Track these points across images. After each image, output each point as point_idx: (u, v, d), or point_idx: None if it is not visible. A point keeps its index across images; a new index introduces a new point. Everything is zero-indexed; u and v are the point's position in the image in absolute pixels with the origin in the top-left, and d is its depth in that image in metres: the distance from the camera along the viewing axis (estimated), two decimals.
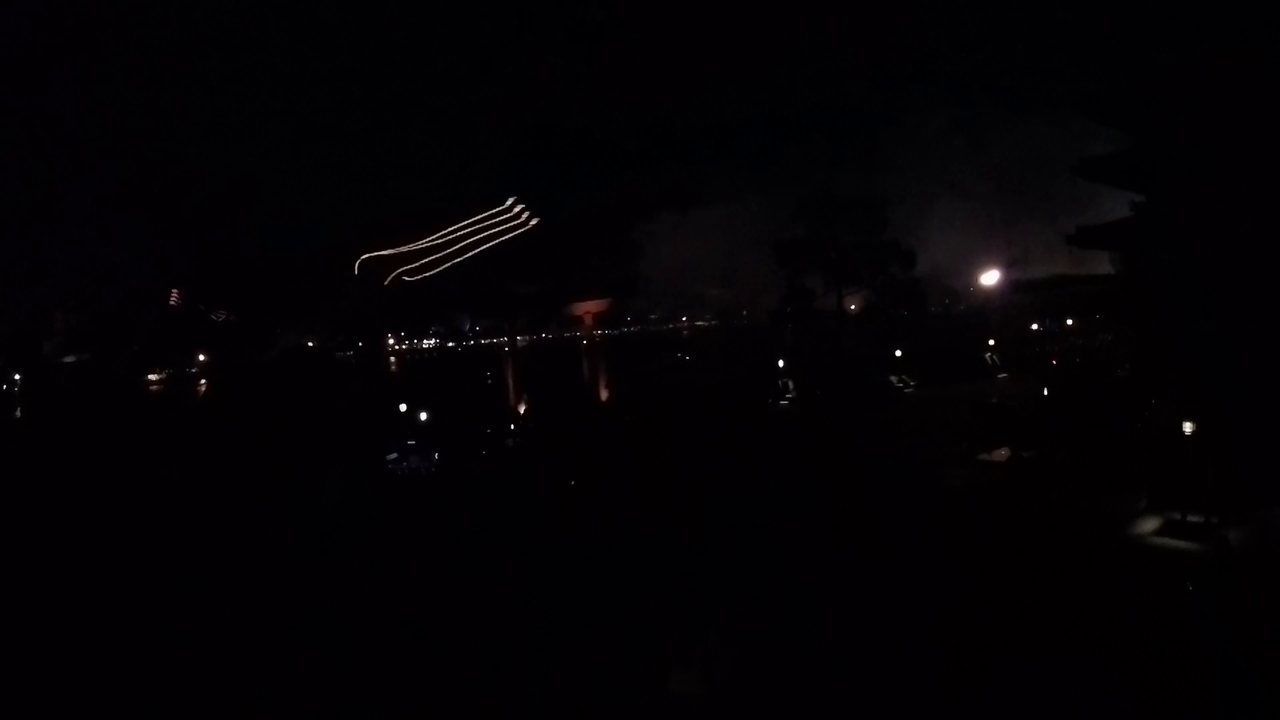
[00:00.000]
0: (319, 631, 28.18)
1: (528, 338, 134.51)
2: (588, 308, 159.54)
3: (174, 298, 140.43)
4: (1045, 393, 58.20)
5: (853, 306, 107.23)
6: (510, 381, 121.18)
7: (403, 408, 78.97)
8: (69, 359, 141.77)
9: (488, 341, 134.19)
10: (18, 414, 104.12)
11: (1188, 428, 36.61)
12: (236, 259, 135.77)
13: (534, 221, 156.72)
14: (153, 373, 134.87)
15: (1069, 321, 64.68)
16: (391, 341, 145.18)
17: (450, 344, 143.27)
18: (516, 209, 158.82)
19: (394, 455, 59.79)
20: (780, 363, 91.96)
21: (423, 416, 74.98)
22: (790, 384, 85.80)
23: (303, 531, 37.80)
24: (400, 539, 38.52)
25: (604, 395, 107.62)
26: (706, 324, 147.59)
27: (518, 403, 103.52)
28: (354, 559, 34.95)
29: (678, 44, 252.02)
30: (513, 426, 79.74)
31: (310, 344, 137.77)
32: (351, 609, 30.12)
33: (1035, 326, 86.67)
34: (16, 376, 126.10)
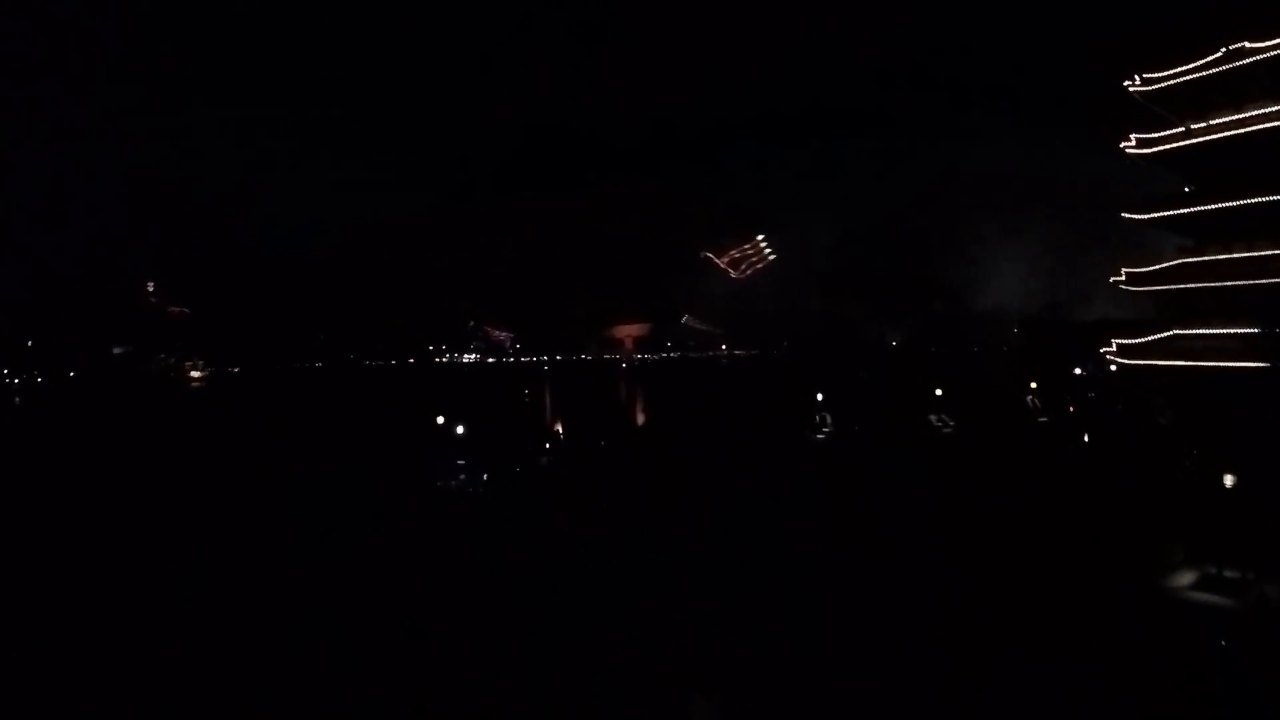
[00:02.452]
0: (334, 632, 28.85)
1: (567, 357, 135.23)
2: (629, 331, 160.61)
3: (211, 294, 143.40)
4: (1085, 439, 57.46)
5: (894, 342, 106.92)
6: (548, 400, 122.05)
7: (440, 420, 79.90)
8: (117, 350, 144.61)
9: (528, 359, 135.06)
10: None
11: (1228, 480, 36.02)
12: (277, 259, 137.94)
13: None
14: (195, 369, 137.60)
15: (1112, 367, 63.89)
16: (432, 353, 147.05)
17: (490, 359, 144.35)
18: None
19: (444, 473, 60.70)
20: (818, 395, 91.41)
21: (459, 430, 75.70)
22: (827, 417, 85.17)
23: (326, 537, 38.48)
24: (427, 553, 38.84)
25: (639, 420, 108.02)
26: (745, 353, 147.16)
27: (554, 421, 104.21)
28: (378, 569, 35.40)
29: (729, 78, 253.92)
30: (548, 445, 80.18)
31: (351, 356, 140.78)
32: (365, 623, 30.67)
33: (1078, 371, 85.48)
34: (71, 374, 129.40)
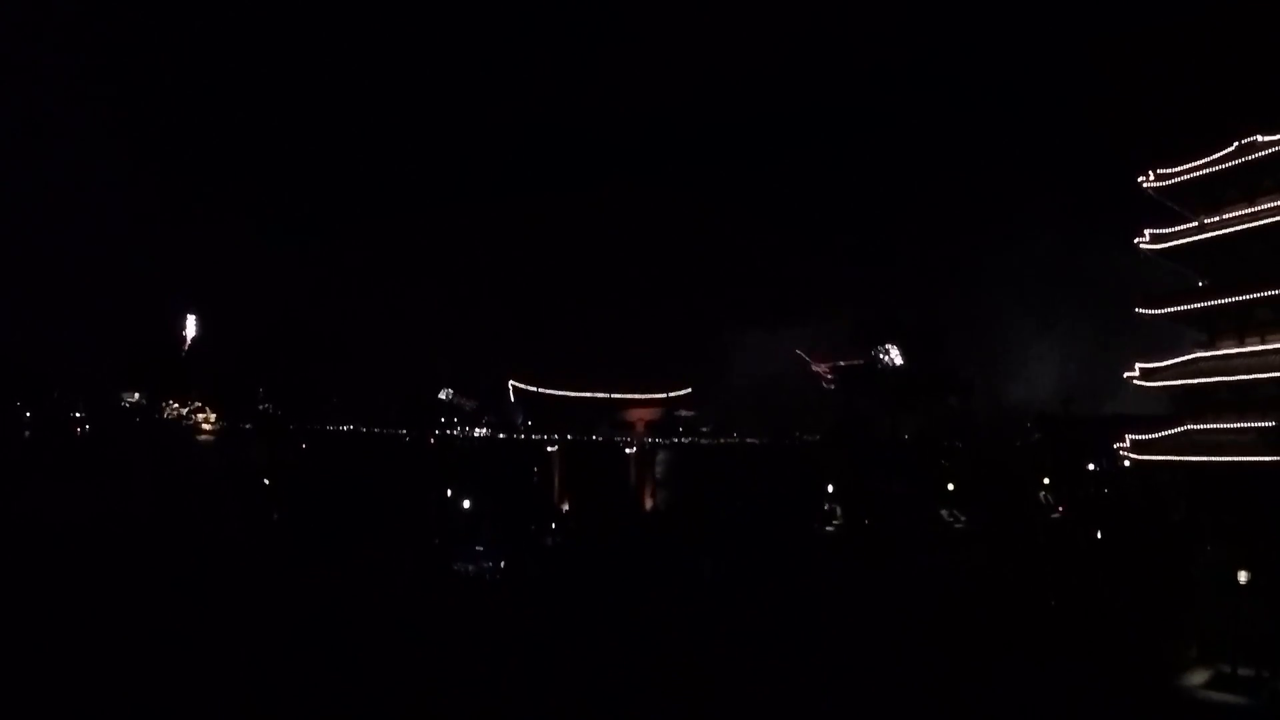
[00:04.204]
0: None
1: (578, 437, 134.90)
2: (640, 414, 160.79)
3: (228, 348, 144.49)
4: (1098, 535, 56.27)
5: (906, 435, 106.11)
6: (556, 480, 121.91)
7: (448, 492, 79.58)
8: (131, 398, 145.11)
9: (538, 437, 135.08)
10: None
11: (1242, 577, 35.12)
12: (298, 319, 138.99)
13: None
14: (207, 421, 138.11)
15: (1126, 463, 63.05)
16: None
17: (501, 435, 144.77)
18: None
19: (462, 558, 60.45)
20: (829, 487, 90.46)
21: (465, 504, 75.18)
22: (838, 509, 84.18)
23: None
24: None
25: (647, 504, 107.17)
26: (757, 441, 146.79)
27: (561, 501, 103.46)
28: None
29: (741, 167, 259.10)
30: (554, 525, 79.50)
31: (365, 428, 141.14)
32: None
33: (1092, 466, 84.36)
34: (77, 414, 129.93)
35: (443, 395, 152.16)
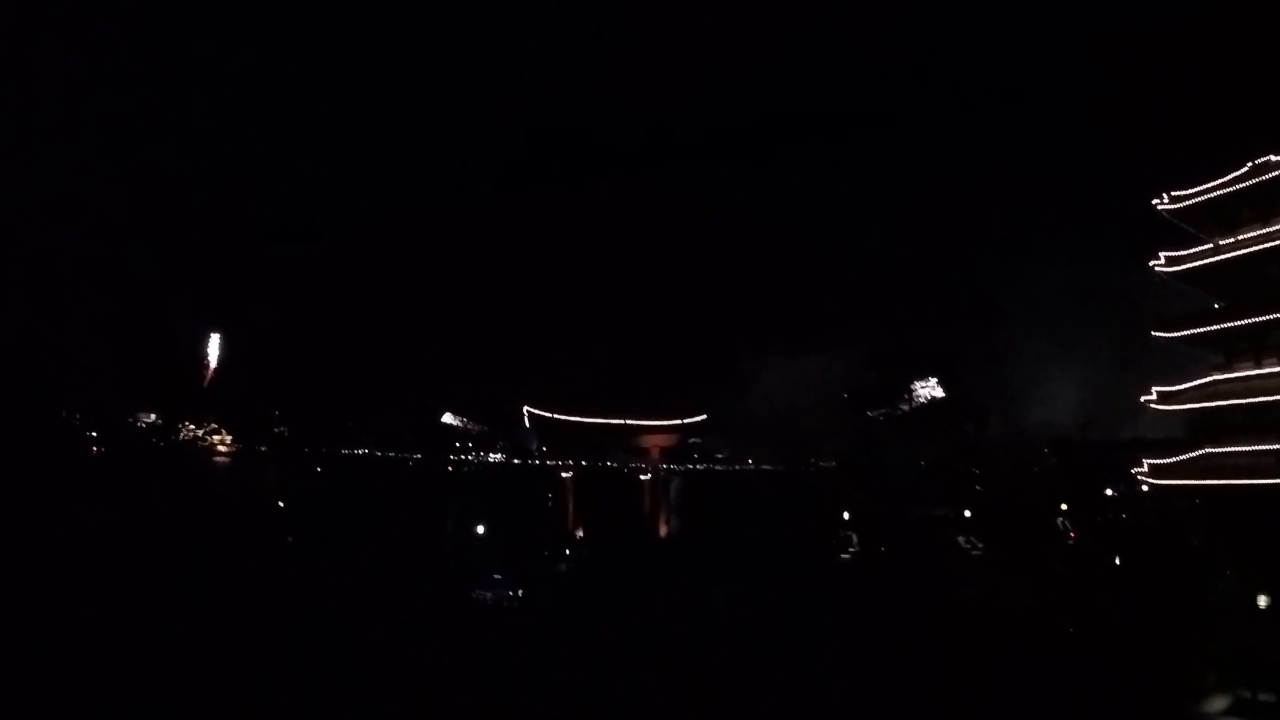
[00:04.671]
0: None
1: (592, 463, 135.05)
2: (656, 440, 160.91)
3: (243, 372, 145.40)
4: (1116, 560, 55.54)
5: (922, 462, 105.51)
6: (570, 506, 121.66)
7: (461, 518, 79.64)
8: (147, 419, 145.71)
9: (553, 462, 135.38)
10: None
11: (1262, 601, 34.65)
12: (312, 341, 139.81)
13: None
14: (222, 443, 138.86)
15: (1144, 487, 62.32)
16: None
17: (516, 460, 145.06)
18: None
19: (480, 584, 60.50)
20: (845, 514, 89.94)
21: (480, 530, 75.18)
22: (854, 536, 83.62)
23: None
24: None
25: (661, 531, 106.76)
26: (773, 468, 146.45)
27: (575, 528, 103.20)
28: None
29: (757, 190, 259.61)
30: (567, 551, 79.31)
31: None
32: None
33: (1109, 492, 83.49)
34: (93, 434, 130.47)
35: (448, 419, 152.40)
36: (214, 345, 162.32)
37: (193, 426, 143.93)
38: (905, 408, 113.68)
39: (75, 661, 30.66)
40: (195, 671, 30.49)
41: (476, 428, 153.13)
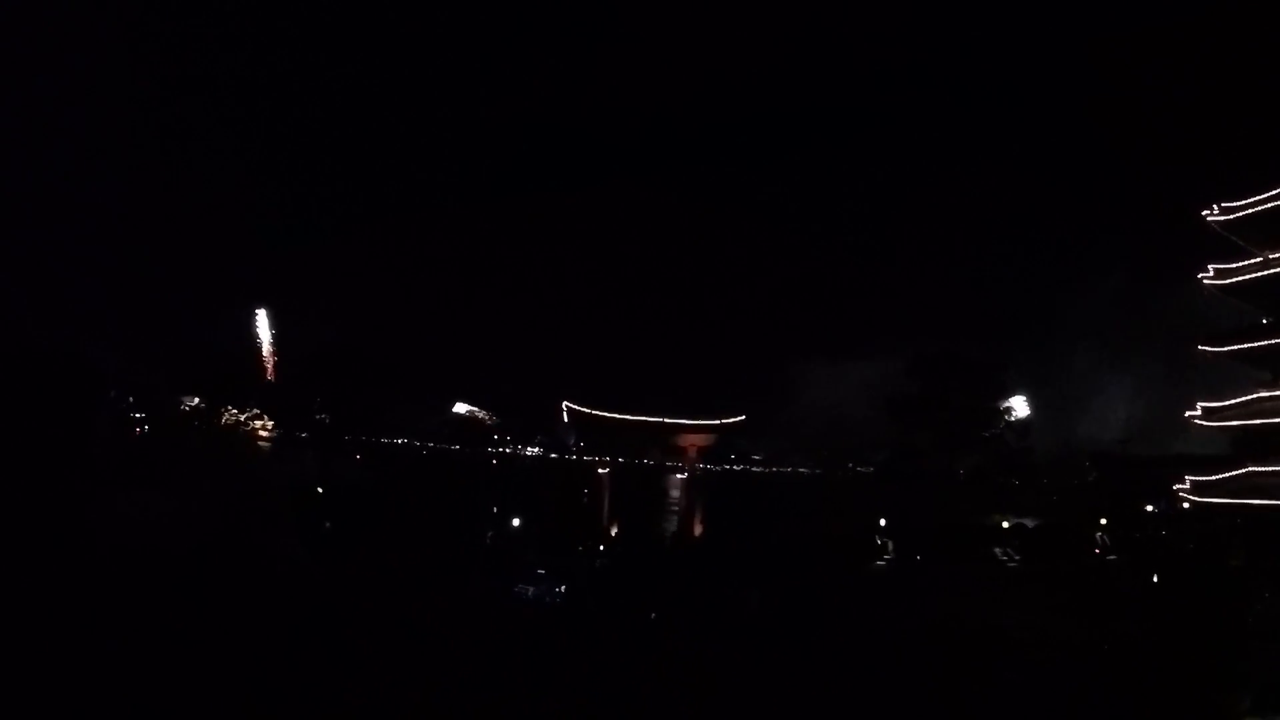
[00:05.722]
0: None
1: (629, 460, 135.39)
2: (693, 440, 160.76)
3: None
4: (1154, 578, 54.61)
5: (961, 471, 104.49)
6: (605, 502, 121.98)
7: (498, 510, 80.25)
8: (191, 403, 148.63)
9: (590, 458, 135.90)
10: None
11: None
12: (355, 333, 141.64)
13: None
14: (264, 428, 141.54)
15: (1185, 504, 61.24)
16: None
17: (553, 455, 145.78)
18: None
19: (523, 579, 60.79)
20: (881, 521, 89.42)
21: (515, 522, 75.74)
22: (890, 544, 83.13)
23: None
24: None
25: (696, 531, 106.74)
26: (810, 472, 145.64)
27: (609, 524, 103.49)
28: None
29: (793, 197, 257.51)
30: (601, 547, 79.58)
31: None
32: None
33: (1150, 508, 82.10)
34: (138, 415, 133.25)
35: (460, 409, 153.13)
36: (263, 323, 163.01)
37: (235, 411, 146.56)
38: (999, 428, 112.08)
39: (123, 643, 31.59)
40: (240, 656, 31.21)
41: (486, 418, 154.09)
